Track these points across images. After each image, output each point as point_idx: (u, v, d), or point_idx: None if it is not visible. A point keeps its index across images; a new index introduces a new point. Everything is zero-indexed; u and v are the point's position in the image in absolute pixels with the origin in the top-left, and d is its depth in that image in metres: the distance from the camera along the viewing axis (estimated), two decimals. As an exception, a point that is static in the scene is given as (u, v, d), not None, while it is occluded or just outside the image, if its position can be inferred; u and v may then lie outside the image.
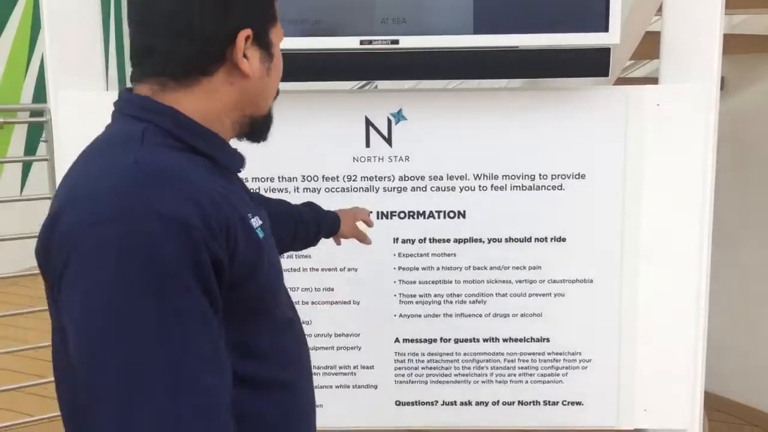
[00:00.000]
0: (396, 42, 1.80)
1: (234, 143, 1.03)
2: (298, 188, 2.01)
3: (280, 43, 1.03)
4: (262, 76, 0.96)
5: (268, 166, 1.99)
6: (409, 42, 1.80)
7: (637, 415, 2.09)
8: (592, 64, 1.84)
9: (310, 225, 1.58)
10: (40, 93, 3.96)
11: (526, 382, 2.09)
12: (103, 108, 1.91)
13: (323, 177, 2.00)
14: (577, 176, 1.98)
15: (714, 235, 2.01)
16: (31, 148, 3.80)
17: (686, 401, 2.07)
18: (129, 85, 1.00)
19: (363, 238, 1.76)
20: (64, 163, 2.02)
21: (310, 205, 1.64)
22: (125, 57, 4.30)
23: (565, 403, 2.09)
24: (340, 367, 2.09)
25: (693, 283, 2.01)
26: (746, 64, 3.53)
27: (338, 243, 1.75)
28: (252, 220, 0.93)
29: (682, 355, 2.05)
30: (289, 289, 2.06)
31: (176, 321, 0.78)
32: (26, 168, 4.30)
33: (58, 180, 2.02)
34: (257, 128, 1.02)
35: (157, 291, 0.77)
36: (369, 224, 1.77)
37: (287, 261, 2.04)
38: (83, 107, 1.93)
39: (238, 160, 1.00)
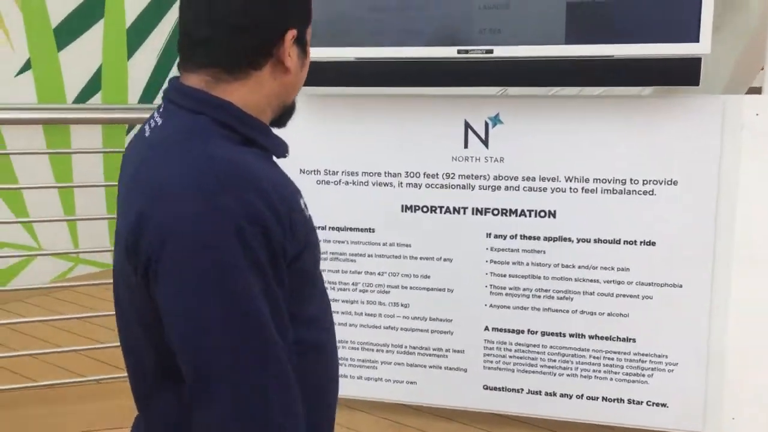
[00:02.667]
0: (491, 51, 1.95)
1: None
2: (402, 183, 2.21)
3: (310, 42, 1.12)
4: (297, 71, 1.05)
5: (376, 162, 2.21)
6: (503, 51, 1.95)
7: (725, 423, 2.10)
8: (683, 73, 1.88)
9: None
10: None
11: (611, 379, 2.16)
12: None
13: (424, 174, 2.19)
14: (669, 182, 2.03)
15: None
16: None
17: (778, 414, 2.05)
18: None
19: None
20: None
21: None
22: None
23: (649, 403, 2.14)
24: (433, 349, 2.27)
25: (789, 294, 1.99)
26: None
27: None
28: (301, 201, 1.01)
29: (775, 366, 2.03)
30: (390, 273, 2.29)
31: (259, 297, 0.91)
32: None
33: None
34: (284, 116, 1.10)
35: (245, 274, 0.90)
36: None
37: (390, 248, 2.25)
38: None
39: (285, 148, 1.08)
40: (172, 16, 4.42)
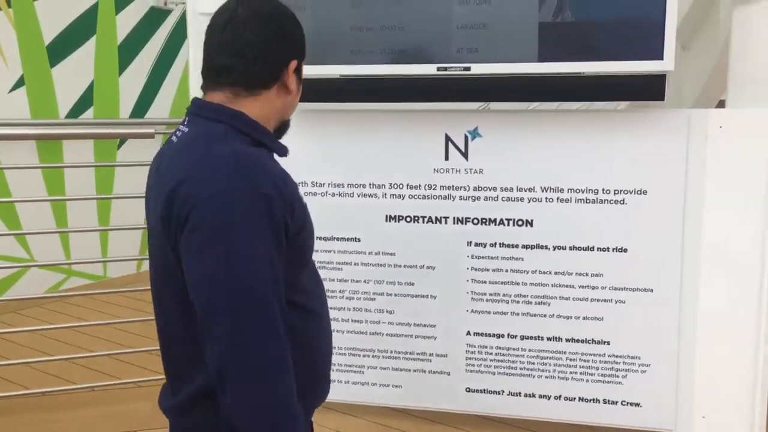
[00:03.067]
0: (468, 69, 2.06)
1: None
2: (386, 194, 2.31)
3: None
4: (296, 93, 1.33)
5: (361, 175, 2.31)
6: (479, 69, 2.06)
7: (696, 422, 2.20)
8: (649, 89, 2.00)
9: None
10: (178, 108, 4.57)
11: (587, 380, 2.25)
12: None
13: (407, 185, 2.29)
14: (639, 192, 2.14)
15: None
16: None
17: (746, 411, 2.15)
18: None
19: None
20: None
21: None
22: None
23: (624, 403, 2.24)
24: (417, 353, 2.36)
25: (754, 296, 2.09)
26: None
27: None
28: (300, 192, 1.27)
29: (742, 365, 2.13)
30: (375, 281, 2.38)
31: (265, 259, 1.13)
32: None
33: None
34: (283, 128, 1.36)
35: (256, 239, 1.13)
36: None
37: (375, 257, 2.34)
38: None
39: (286, 150, 1.35)
40: (162, 33, 4.52)
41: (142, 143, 3.05)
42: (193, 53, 2.42)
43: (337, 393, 2.40)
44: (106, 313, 3.58)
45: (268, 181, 1.16)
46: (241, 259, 1.12)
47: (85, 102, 4.15)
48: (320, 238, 2.36)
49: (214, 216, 1.13)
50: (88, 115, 4.17)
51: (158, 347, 1.33)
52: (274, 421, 1.14)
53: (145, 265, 4.31)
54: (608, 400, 2.24)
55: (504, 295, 2.28)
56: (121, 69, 4.36)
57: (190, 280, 1.16)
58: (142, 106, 4.48)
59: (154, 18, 4.48)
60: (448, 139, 2.25)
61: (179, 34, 4.60)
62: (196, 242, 1.14)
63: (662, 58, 1.94)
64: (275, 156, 1.31)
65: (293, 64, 1.28)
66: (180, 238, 1.16)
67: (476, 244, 2.28)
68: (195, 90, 2.42)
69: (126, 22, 4.34)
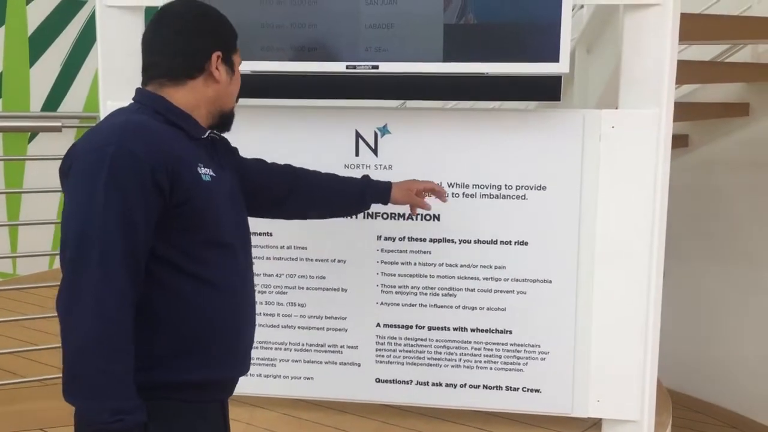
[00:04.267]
0: (376, 67, 2.12)
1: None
2: (297, 189, 2.34)
3: (239, 66, 1.56)
4: (226, 83, 1.49)
5: (273, 170, 2.33)
6: (387, 67, 2.12)
7: (591, 405, 2.32)
8: (546, 90, 2.10)
9: (353, 186, 1.94)
10: (92, 102, 4.50)
11: (491, 368, 2.35)
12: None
13: (319, 180, 2.33)
14: (538, 188, 2.24)
15: (672, 248, 2.23)
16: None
17: (637, 394, 2.29)
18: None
19: (421, 204, 1.99)
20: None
21: (364, 176, 1.98)
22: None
23: (525, 389, 2.34)
24: (329, 345, 2.41)
25: (644, 284, 2.23)
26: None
27: (413, 211, 2.03)
28: (200, 168, 1.40)
29: (634, 350, 2.27)
30: (287, 275, 2.40)
31: (115, 212, 1.27)
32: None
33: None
34: (224, 121, 1.53)
35: (115, 194, 1.27)
36: (442, 199, 2.04)
37: (287, 251, 2.38)
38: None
39: (201, 131, 1.47)
40: (76, 24, 4.41)
41: (55, 137, 2.98)
42: (102, 46, 2.39)
43: (248, 386, 2.41)
44: (13, 311, 3.48)
45: (144, 143, 1.30)
46: (93, 211, 1.25)
47: (-8, 94, 4.02)
48: (232, 233, 2.38)
49: (83, 169, 1.29)
50: (-3, 107, 4.04)
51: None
52: (75, 360, 1.25)
53: (57, 262, 4.23)
54: (510, 387, 2.35)
55: (412, 287, 2.35)
56: (32, 61, 4.23)
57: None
58: (54, 99, 4.36)
59: (67, 9, 4.37)
60: (358, 135, 2.30)
61: (94, 26, 4.51)
62: (66, 190, 1.32)
63: (558, 61, 2.05)
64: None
65: (216, 54, 1.45)
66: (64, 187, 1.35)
67: (386, 239, 2.34)
68: (107, 85, 2.39)
69: (37, 12, 4.22)
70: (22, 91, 4.20)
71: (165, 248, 1.34)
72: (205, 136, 1.49)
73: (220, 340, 1.43)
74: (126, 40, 2.37)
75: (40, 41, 4.26)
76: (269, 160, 2.50)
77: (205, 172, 1.41)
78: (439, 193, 2.01)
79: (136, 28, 2.39)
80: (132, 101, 1.46)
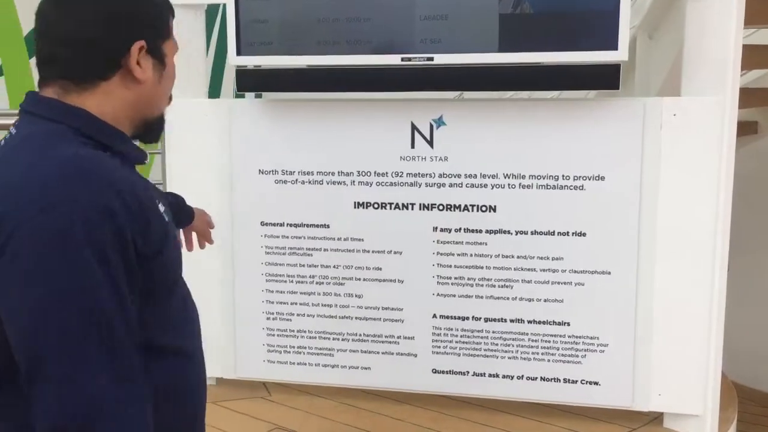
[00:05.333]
0: (431, 59, 2.12)
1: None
2: (354, 181, 2.37)
3: (174, 56, 1.17)
4: (155, 82, 1.10)
5: (330, 163, 2.37)
6: (442, 59, 2.12)
7: (653, 399, 2.28)
8: (605, 78, 2.06)
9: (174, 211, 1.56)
10: None
11: (548, 360, 2.33)
12: (202, 112, 2.38)
13: (375, 173, 2.35)
14: (597, 178, 2.21)
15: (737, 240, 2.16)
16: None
17: (700, 387, 2.23)
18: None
19: (207, 237, 1.76)
20: (172, 154, 2.51)
21: (174, 196, 1.66)
22: (224, 70, 4.89)
23: (583, 382, 2.32)
24: (385, 336, 2.43)
25: (707, 275, 2.17)
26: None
27: (187, 236, 1.72)
28: (159, 206, 1.06)
29: (697, 343, 2.22)
30: (344, 266, 2.44)
31: (105, 293, 0.92)
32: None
33: (169, 168, 2.51)
34: (150, 129, 1.14)
35: (87, 267, 0.90)
36: (210, 226, 1.78)
37: (344, 243, 2.41)
38: (187, 111, 2.41)
39: (143, 155, 1.12)
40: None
41: None
42: (165, 44, 2.47)
43: (307, 375, 2.49)
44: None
45: (112, 192, 0.94)
46: (77, 302, 0.90)
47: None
48: (290, 225, 2.43)
49: (40, 239, 0.90)
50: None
51: None
52: None
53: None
54: (568, 379, 2.32)
55: (469, 278, 2.35)
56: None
57: (10, 319, 0.92)
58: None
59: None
60: (413, 127, 2.31)
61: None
62: (15, 281, 0.91)
63: (617, 49, 2.01)
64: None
65: (137, 45, 1.06)
66: None
67: (442, 230, 2.35)
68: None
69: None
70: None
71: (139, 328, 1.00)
72: (146, 162, 1.14)
73: (187, 409, 1.15)
74: (188, 38, 2.44)
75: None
76: (328, 153, 2.49)
77: (162, 209, 1.08)
78: (207, 236, 1.75)
79: (197, 25, 2.46)
80: (39, 117, 1.03)
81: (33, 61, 3.88)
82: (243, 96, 3.04)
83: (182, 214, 1.64)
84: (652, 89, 3.12)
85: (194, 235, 1.73)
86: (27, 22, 3.96)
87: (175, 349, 1.09)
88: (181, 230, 1.63)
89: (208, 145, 2.41)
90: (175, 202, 1.61)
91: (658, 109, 2.15)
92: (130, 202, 0.96)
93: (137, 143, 1.15)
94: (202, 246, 1.75)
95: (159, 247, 1.02)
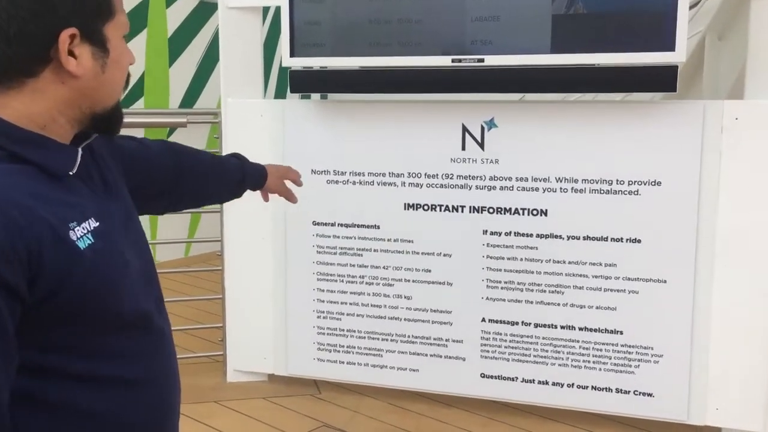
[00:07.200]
0: (482, 60, 2.10)
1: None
2: (404, 183, 2.37)
3: (122, 35, 0.97)
4: (96, 73, 0.92)
5: (380, 164, 2.38)
6: (493, 60, 2.10)
7: (710, 413, 2.19)
8: (661, 80, 2.00)
9: (234, 174, 1.53)
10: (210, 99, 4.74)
11: (600, 369, 2.27)
12: (257, 112, 2.41)
13: (425, 174, 2.35)
14: (653, 183, 2.14)
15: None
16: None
17: (761, 403, 2.14)
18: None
19: (289, 196, 1.67)
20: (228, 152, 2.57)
21: (237, 156, 1.57)
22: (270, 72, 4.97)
23: (636, 393, 2.25)
24: (434, 338, 2.43)
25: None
26: None
27: (265, 199, 1.66)
28: (74, 231, 0.90)
29: (757, 356, 2.12)
30: (393, 267, 2.43)
31: None
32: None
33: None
34: (104, 123, 0.97)
35: None
36: (297, 184, 1.70)
37: (394, 244, 2.41)
38: (245, 111, 2.46)
39: (68, 163, 0.93)
40: (211, 26, 4.68)
41: (187, 131, 3.19)
42: (223, 45, 2.53)
43: (356, 375, 2.51)
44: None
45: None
46: None
47: (136, 93, 4.35)
48: (341, 225, 2.45)
49: None
50: (140, 105, 4.37)
51: None
52: None
53: (193, 249, 4.54)
54: (621, 390, 2.26)
55: (518, 283, 2.32)
56: (171, 61, 4.53)
57: None
58: (191, 96, 4.64)
59: (202, 12, 4.64)
60: (464, 129, 2.29)
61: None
62: None
63: (674, 50, 1.95)
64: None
65: (67, 33, 0.88)
66: None
67: (492, 233, 2.32)
68: (228, 83, 2.53)
69: (176, 15, 4.51)
70: (163, 90, 4.51)
71: (37, 355, 0.89)
72: (77, 164, 0.94)
73: None
74: (246, 40, 2.50)
75: (178, 43, 4.55)
76: (378, 154, 2.48)
77: (82, 233, 0.90)
78: (288, 195, 1.68)
79: (255, 28, 2.52)
80: None
81: (172, 69, 4.14)
82: (284, 97, 3.07)
83: (248, 175, 1.55)
84: (721, 92, 3.00)
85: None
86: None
87: (121, 379, 0.98)
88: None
89: (263, 144, 2.46)
90: (236, 162, 1.55)
91: (718, 113, 2.07)
92: (12, 237, 0.82)
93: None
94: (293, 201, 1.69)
95: (61, 282, 0.87)
